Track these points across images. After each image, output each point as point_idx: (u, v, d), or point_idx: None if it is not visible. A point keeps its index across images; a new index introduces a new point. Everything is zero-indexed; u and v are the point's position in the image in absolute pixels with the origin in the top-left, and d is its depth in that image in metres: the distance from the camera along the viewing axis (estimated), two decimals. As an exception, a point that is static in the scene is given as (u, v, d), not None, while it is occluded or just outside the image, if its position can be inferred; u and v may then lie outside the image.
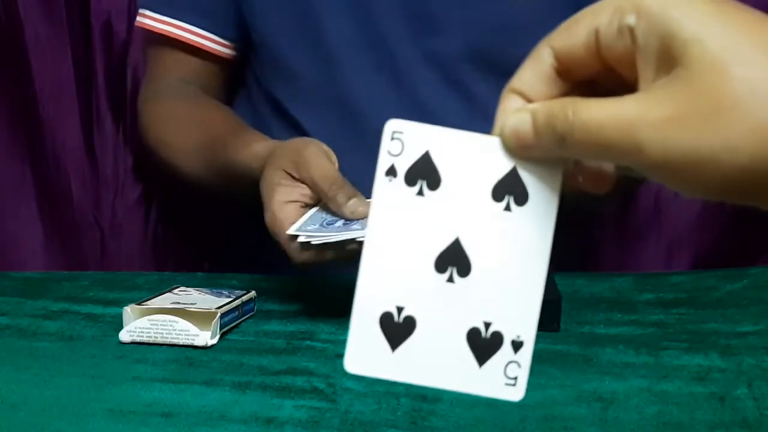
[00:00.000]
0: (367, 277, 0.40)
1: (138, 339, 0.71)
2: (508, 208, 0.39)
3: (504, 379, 0.40)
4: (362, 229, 0.71)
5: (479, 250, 0.40)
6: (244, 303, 0.77)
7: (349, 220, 0.74)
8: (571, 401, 0.60)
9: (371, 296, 0.40)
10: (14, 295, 0.85)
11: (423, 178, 0.40)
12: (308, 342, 0.72)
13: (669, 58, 0.33)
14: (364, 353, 0.40)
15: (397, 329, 0.40)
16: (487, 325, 0.40)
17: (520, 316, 0.40)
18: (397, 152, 0.40)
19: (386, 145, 0.40)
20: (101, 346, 0.71)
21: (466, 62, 0.96)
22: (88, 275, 0.99)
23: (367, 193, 0.79)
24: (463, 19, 0.95)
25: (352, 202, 0.74)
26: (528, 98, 0.38)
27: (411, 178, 0.40)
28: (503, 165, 0.39)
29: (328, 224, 0.74)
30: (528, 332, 0.40)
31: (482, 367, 0.40)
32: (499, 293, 0.40)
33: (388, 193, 0.40)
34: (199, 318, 0.70)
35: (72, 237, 1.23)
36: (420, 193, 0.40)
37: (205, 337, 0.70)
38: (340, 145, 0.80)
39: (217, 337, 0.71)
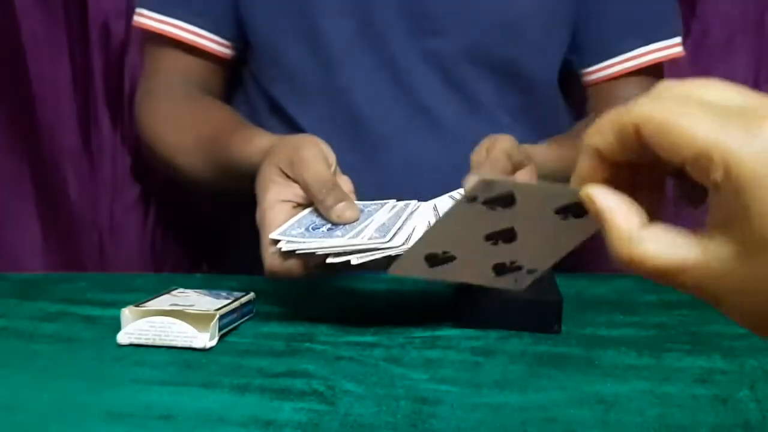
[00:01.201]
0: (428, 233, 0.45)
1: (136, 341, 0.70)
2: (565, 218, 0.42)
3: (512, 283, 0.47)
4: (342, 236, 0.70)
5: (528, 233, 0.43)
6: (243, 305, 0.77)
7: (335, 225, 0.72)
8: (573, 403, 0.60)
9: (425, 242, 0.45)
10: (11, 297, 0.85)
11: (500, 203, 0.42)
12: (308, 344, 0.72)
13: (746, 225, 0.31)
14: (406, 266, 0.46)
15: (437, 260, 0.45)
16: (512, 262, 0.46)
17: (539, 263, 0.46)
18: (482, 191, 0.42)
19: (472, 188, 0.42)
20: (99, 348, 0.70)
21: (466, 61, 0.96)
22: (86, 276, 0.98)
23: (363, 190, 0.78)
24: (463, 18, 0.94)
25: (341, 205, 0.72)
26: (604, 157, 0.37)
27: (490, 204, 0.42)
28: (572, 196, 0.40)
29: (313, 229, 0.72)
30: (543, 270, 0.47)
31: (496, 277, 0.47)
32: (529, 252, 0.45)
33: (464, 208, 0.42)
34: (197, 320, 0.70)
35: (70, 238, 1.23)
36: (492, 209, 0.42)
37: (203, 339, 0.70)
38: (338, 145, 0.80)
39: (216, 338, 0.71)
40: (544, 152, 0.85)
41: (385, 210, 0.75)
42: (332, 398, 0.60)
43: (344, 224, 0.72)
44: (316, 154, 0.75)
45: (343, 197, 0.73)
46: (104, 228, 1.23)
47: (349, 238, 0.69)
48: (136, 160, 1.21)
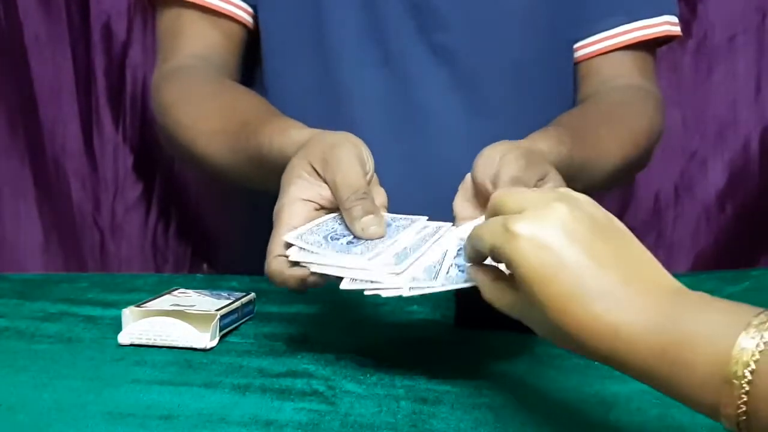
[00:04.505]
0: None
1: (137, 341, 0.70)
2: None
3: None
4: (361, 254, 0.64)
5: None
6: (243, 305, 0.77)
7: (356, 238, 0.66)
8: (573, 404, 0.60)
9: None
10: (13, 297, 0.85)
11: None
12: (308, 344, 0.72)
13: (520, 285, 0.51)
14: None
15: None
16: None
17: None
18: None
19: None
20: (100, 348, 0.70)
21: (474, 56, 0.95)
22: (87, 277, 0.98)
23: None
24: (470, 12, 0.94)
25: (368, 218, 0.66)
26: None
27: None
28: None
29: (332, 239, 0.66)
30: None
31: None
32: None
33: None
34: (198, 320, 0.70)
35: (71, 238, 1.23)
36: None
37: (204, 339, 0.70)
38: None
39: (217, 339, 0.71)
40: (552, 149, 0.80)
41: (413, 230, 0.68)
42: (333, 398, 0.60)
43: (367, 239, 0.66)
44: (352, 156, 0.69)
45: (372, 209, 0.67)
46: (105, 228, 1.23)
47: (367, 259, 0.64)
48: (138, 160, 1.21)
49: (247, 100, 0.90)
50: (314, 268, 0.65)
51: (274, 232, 0.68)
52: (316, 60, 0.96)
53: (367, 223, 0.66)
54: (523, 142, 0.74)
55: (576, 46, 1.00)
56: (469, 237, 0.55)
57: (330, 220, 0.69)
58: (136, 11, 1.14)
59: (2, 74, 1.18)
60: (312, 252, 0.65)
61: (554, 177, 0.70)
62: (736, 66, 1.28)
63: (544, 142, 0.76)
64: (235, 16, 0.97)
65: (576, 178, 0.79)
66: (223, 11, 0.96)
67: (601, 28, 0.99)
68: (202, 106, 0.91)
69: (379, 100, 0.95)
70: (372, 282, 0.63)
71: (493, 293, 0.55)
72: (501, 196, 0.53)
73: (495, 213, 0.53)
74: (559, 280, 0.47)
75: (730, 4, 1.27)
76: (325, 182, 0.69)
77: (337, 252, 0.65)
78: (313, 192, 0.69)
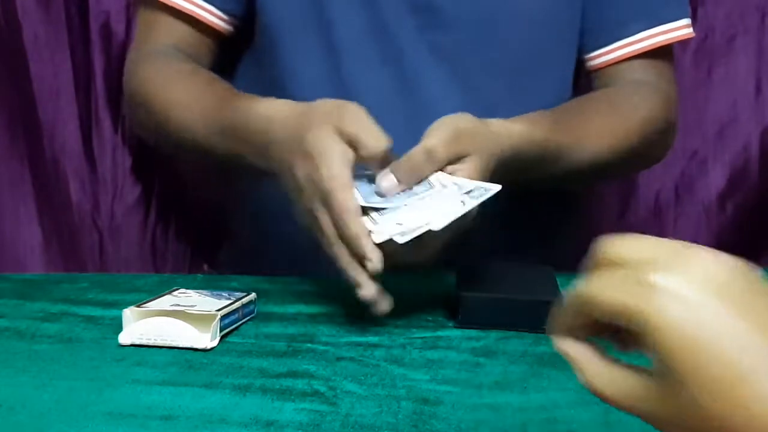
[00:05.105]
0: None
1: (138, 341, 0.70)
2: None
3: None
4: (409, 203, 0.72)
5: None
6: (244, 305, 0.77)
7: (378, 193, 0.74)
8: (574, 404, 0.60)
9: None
10: (13, 297, 0.85)
11: None
12: (309, 344, 0.72)
13: (665, 381, 0.36)
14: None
15: None
16: None
17: None
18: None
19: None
20: (100, 348, 0.70)
21: (473, 56, 0.95)
22: (87, 277, 0.98)
23: None
24: (470, 11, 0.94)
25: (389, 175, 0.74)
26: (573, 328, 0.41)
27: None
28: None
29: (381, 197, 0.74)
30: None
31: None
32: None
33: None
34: (198, 320, 0.70)
35: (71, 238, 1.23)
36: None
37: (204, 339, 0.70)
38: None
39: (217, 339, 0.71)
40: (523, 131, 0.82)
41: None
42: (333, 399, 0.60)
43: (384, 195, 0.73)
44: (364, 114, 0.76)
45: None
46: (105, 228, 1.23)
47: (429, 201, 0.72)
48: (137, 160, 1.21)
49: (220, 81, 0.94)
50: (400, 239, 0.69)
51: (339, 197, 0.71)
52: (322, 58, 0.96)
53: (389, 181, 0.74)
54: (494, 123, 0.80)
55: (594, 54, 1.00)
56: (570, 303, 0.40)
57: (357, 180, 0.74)
58: (135, 10, 1.13)
59: (1, 75, 1.18)
60: (404, 221, 0.71)
61: (474, 160, 0.75)
62: (737, 66, 1.28)
63: (517, 124, 0.82)
64: (208, 22, 0.99)
65: (555, 160, 0.86)
66: (196, 16, 0.98)
67: (622, 36, 0.99)
68: (174, 83, 0.95)
69: (382, 98, 0.95)
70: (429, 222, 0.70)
71: (603, 377, 0.40)
72: (613, 246, 0.39)
73: (607, 267, 0.39)
74: (723, 350, 0.34)
75: (730, 5, 1.27)
76: (350, 143, 0.73)
77: (403, 210, 0.72)
78: (349, 155, 0.73)
